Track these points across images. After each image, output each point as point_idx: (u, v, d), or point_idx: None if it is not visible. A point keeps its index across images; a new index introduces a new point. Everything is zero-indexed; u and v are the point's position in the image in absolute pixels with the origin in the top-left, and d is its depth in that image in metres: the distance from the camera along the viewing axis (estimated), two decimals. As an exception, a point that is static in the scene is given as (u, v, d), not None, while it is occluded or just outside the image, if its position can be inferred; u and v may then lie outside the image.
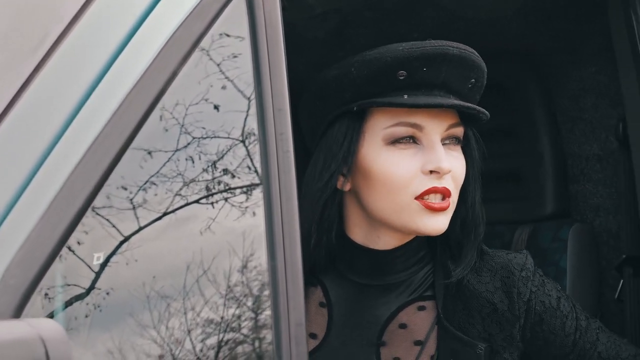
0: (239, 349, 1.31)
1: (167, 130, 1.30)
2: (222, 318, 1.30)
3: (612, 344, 1.84)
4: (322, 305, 1.79)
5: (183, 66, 1.28)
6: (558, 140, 2.56)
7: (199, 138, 1.33)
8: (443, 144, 1.69)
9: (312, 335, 1.78)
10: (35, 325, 0.96)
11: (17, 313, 1.07)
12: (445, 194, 1.67)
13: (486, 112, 1.72)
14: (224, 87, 1.36)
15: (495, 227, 2.57)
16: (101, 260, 1.23)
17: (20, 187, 1.14)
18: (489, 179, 2.68)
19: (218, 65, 1.37)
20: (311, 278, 1.80)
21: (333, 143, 1.69)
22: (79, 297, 1.21)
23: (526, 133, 2.60)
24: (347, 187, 1.72)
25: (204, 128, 1.33)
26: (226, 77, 1.36)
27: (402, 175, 1.66)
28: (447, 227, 1.69)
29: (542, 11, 2.56)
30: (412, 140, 1.68)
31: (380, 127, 1.68)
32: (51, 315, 1.19)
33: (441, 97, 1.67)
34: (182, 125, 1.31)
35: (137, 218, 1.26)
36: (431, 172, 1.66)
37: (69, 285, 1.21)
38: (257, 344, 1.32)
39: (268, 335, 1.31)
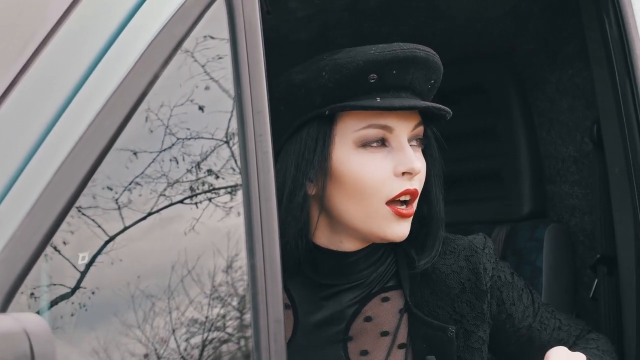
0: (220, 346, 1.34)
1: (151, 131, 1.32)
2: (205, 316, 1.33)
3: (567, 318, 1.90)
4: (287, 307, 1.80)
5: (165, 68, 1.30)
6: (535, 142, 2.60)
7: (182, 139, 1.35)
8: (410, 146, 1.72)
9: None
10: (20, 320, 0.98)
11: (3, 309, 1.09)
12: (415, 195, 1.70)
13: (450, 111, 1.75)
14: (206, 89, 1.38)
15: (474, 226, 2.60)
16: (86, 260, 1.25)
17: (5, 186, 1.16)
18: (467, 179, 2.73)
19: (201, 67, 1.39)
20: None
21: (305, 148, 1.70)
22: (65, 297, 1.22)
23: (504, 134, 2.63)
24: (313, 192, 1.73)
25: (187, 129, 1.36)
26: (208, 79, 1.39)
27: (375, 178, 1.68)
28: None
29: (521, 14, 2.59)
30: (382, 142, 1.70)
31: (350, 130, 1.70)
32: (38, 313, 1.21)
33: (409, 99, 1.70)
34: (166, 127, 1.34)
35: (122, 218, 1.28)
36: (403, 173, 1.69)
37: (54, 284, 1.23)
38: (236, 341, 1.35)
39: (247, 332, 1.34)
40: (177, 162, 1.34)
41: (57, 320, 1.22)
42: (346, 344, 1.76)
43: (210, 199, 1.35)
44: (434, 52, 1.75)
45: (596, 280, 2.30)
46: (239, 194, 1.35)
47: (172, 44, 1.32)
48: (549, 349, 1.72)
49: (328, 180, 1.70)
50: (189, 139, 1.35)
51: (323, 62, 1.70)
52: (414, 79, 1.71)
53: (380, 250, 1.79)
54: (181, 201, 1.33)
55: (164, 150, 1.33)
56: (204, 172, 1.36)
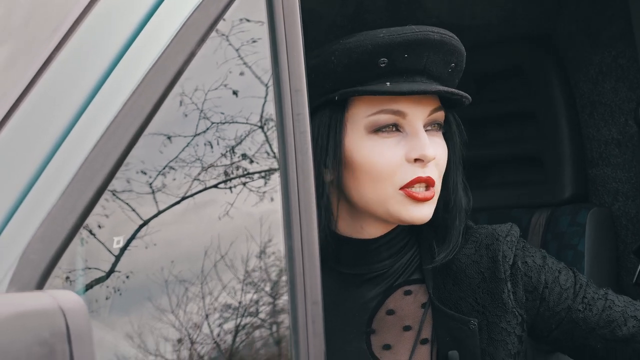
0: (254, 331, 1.33)
1: (186, 115, 1.31)
2: (238, 301, 1.31)
3: (624, 298, 1.78)
4: None
5: (199, 50, 1.28)
6: (577, 124, 2.56)
7: (216, 122, 1.34)
8: (425, 130, 1.68)
9: None
10: (56, 297, 0.97)
11: (39, 287, 1.09)
12: (429, 183, 1.66)
13: (468, 96, 1.70)
14: (242, 69, 1.37)
15: (512, 211, 2.57)
16: (121, 244, 1.24)
17: (41, 164, 1.16)
18: (507, 163, 2.70)
19: (236, 47, 1.37)
20: None
21: (318, 135, 1.67)
22: (100, 280, 1.22)
23: (545, 117, 2.59)
24: (329, 178, 1.70)
25: (222, 113, 1.34)
26: (244, 61, 1.37)
27: (386, 164, 1.64)
28: (431, 216, 1.68)
29: (561, -5, 2.56)
30: (395, 128, 1.66)
31: (362, 115, 1.66)
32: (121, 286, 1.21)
33: (423, 83, 1.66)
34: (200, 110, 1.33)
35: (156, 202, 1.27)
36: (415, 160, 1.65)
37: (90, 268, 1.23)
38: (274, 324, 1.34)
39: (282, 316, 1.32)
40: (212, 146, 1.32)
41: (92, 304, 1.22)
42: (369, 337, 1.74)
43: (244, 183, 1.34)
44: (452, 34, 1.69)
45: (639, 266, 2.26)
46: (275, 176, 1.33)
47: (206, 24, 1.30)
48: (599, 331, 1.66)
49: (342, 166, 1.67)
50: (224, 122, 1.34)
51: (335, 46, 1.67)
52: (429, 62, 1.66)
53: (404, 240, 1.75)
54: (215, 185, 1.31)
55: (198, 134, 1.31)
56: (239, 156, 1.34)
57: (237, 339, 1.31)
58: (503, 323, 1.71)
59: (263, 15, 1.38)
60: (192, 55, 1.30)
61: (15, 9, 1.42)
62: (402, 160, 1.65)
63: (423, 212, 1.66)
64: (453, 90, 1.67)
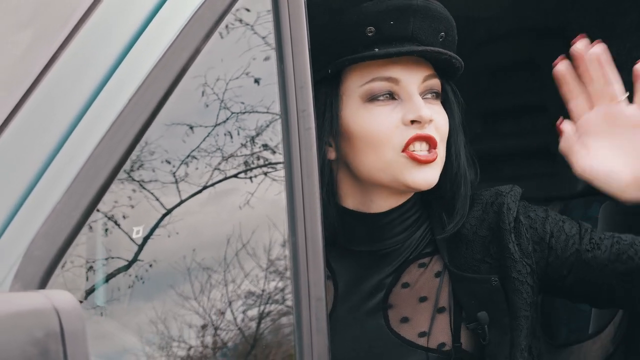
0: (260, 327, 1.33)
1: (190, 111, 1.32)
2: (242, 297, 1.32)
3: (633, 236, 1.79)
4: (327, 278, 1.77)
5: (204, 46, 1.29)
6: (590, 117, 2.54)
7: (221, 119, 1.35)
8: (423, 99, 1.70)
9: None
10: (50, 297, 0.98)
11: (43, 284, 1.10)
12: (430, 141, 1.68)
13: (459, 58, 1.73)
14: (247, 68, 1.37)
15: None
16: (141, 234, 1.26)
17: (46, 161, 1.17)
18: (519, 156, 2.69)
19: (242, 42, 1.38)
20: None
21: (317, 113, 1.68)
22: (122, 269, 1.24)
23: (557, 109, 2.57)
24: (333, 156, 1.72)
25: (226, 109, 1.35)
26: (249, 57, 1.37)
27: (384, 129, 1.67)
28: (436, 181, 1.70)
29: (575, -14, 2.54)
30: (390, 96, 1.69)
31: (356, 85, 1.69)
32: (94, 287, 1.23)
33: (398, 48, 1.68)
34: (205, 106, 1.33)
35: (179, 191, 1.29)
36: (412, 122, 1.67)
37: (113, 257, 1.24)
38: (278, 321, 1.34)
39: (289, 311, 1.33)
40: (215, 142, 1.33)
41: (115, 292, 1.24)
42: (386, 312, 1.76)
43: (248, 180, 1.34)
44: (438, 3, 1.72)
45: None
46: (280, 172, 1.34)
47: (212, 19, 1.31)
48: (610, 266, 1.67)
49: (342, 139, 1.70)
50: (227, 118, 1.35)
51: (326, 22, 1.71)
52: (416, 29, 1.68)
53: (416, 214, 1.77)
54: (216, 182, 1.32)
55: (205, 129, 1.32)
56: (242, 153, 1.35)
57: (240, 336, 1.32)
58: (514, 273, 1.72)
59: (268, 12, 1.38)
60: (197, 51, 1.31)
61: (22, 5, 1.43)
62: (399, 124, 1.68)
63: (427, 176, 1.69)
64: (440, 50, 1.70)
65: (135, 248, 1.26)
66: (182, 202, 1.31)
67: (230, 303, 1.31)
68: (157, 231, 1.28)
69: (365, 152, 1.68)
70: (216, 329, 1.30)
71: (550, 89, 2.63)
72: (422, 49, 1.68)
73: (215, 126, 1.34)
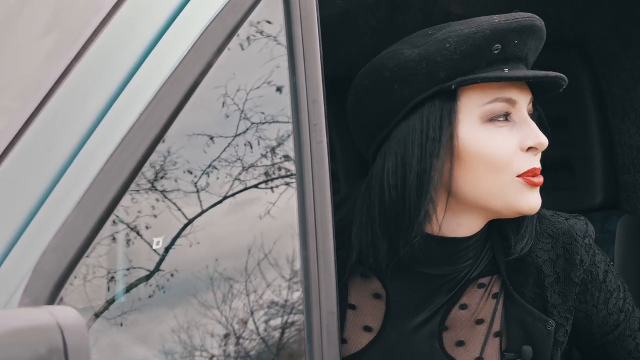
0: (271, 340, 1.33)
1: (201, 125, 1.32)
2: (253, 310, 1.32)
3: None
4: (377, 297, 1.72)
5: (216, 60, 1.29)
6: (608, 130, 2.53)
7: (233, 132, 1.35)
8: None
9: (367, 328, 1.72)
10: (54, 313, 0.98)
11: (52, 299, 1.10)
12: (538, 173, 1.66)
13: (565, 81, 1.71)
14: (258, 82, 1.37)
15: (543, 216, 2.55)
16: (160, 245, 1.26)
17: (57, 175, 1.17)
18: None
19: (254, 56, 1.38)
20: (364, 270, 1.73)
21: (428, 127, 1.62)
22: (143, 279, 1.24)
23: (576, 122, 2.57)
24: (437, 175, 1.64)
25: (238, 123, 1.35)
26: (261, 71, 1.38)
27: (505, 153, 1.62)
28: None
29: (591, -1, 2.53)
30: (505, 117, 1.65)
31: (476, 104, 1.63)
32: (114, 298, 1.24)
33: (529, 70, 1.66)
34: (217, 120, 1.34)
35: (201, 201, 1.29)
36: (529, 148, 1.64)
37: (134, 268, 1.25)
38: (290, 334, 1.34)
39: (300, 325, 1.32)
40: (226, 155, 1.33)
41: (136, 302, 1.24)
42: (441, 335, 1.70)
43: (260, 194, 1.34)
44: (542, 21, 1.70)
45: (670, 274, 2.23)
46: (292, 186, 1.34)
47: (224, 34, 1.31)
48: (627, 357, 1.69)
49: (450, 159, 1.63)
50: (240, 132, 1.35)
51: (442, 33, 1.63)
52: (530, 49, 1.66)
53: (487, 238, 1.72)
54: (228, 196, 1.32)
55: (216, 142, 1.33)
56: (254, 167, 1.35)
57: (251, 349, 1.32)
58: (568, 325, 1.70)
59: (281, 26, 1.38)
60: (209, 65, 1.31)
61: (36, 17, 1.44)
62: (517, 149, 1.63)
63: (538, 199, 1.66)
64: (564, 76, 1.68)
65: (152, 260, 1.27)
66: (194, 213, 1.31)
67: (239, 316, 1.31)
68: (175, 241, 1.29)
69: (482, 173, 1.62)
70: (224, 342, 1.30)
71: (570, 101, 2.63)
72: (554, 75, 1.66)
73: (226, 138, 1.35)
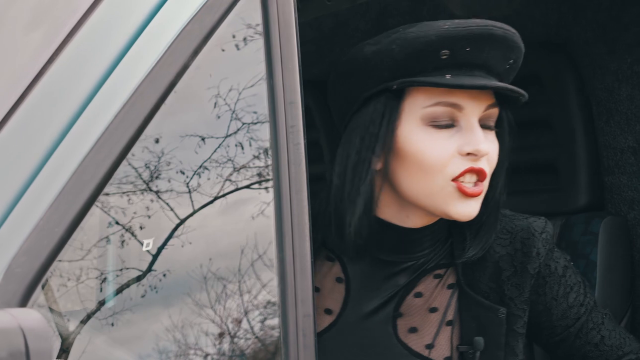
0: (247, 343, 1.33)
1: (178, 126, 1.32)
2: (229, 312, 1.32)
3: (618, 334, 1.82)
4: (339, 281, 1.78)
5: (193, 61, 1.29)
6: (593, 132, 2.53)
7: (210, 134, 1.35)
8: (481, 126, 1.68)
9: (328, 311, 1.77)
10: (16, 316, 0.98)
11: (24, 301, 1.09)
12: (481, 175, 1.65)
13: (525, 94, 1.70)
14: (236, 83, 1.37)
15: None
16: (151, 246, 1.25)
17: (29, 177, 1.17)
18: (521, 170, 2.67)
19: (232, 57, 1.38)
20: (328, 253, 1.80)
21: (370, 122, 1.67)
22: (135, 280, 1.24)
23: (561, 124, 2.57)
24: (379, 166, 1.69)
25: (215, 124, 1.35)
26: (238, 72, 1.37)
27: (439, 156, 1.64)
28: (476, 214, 1.68)
29: (579, 1, 2.52)
30: (450, 121, 1.66)
31: (419, 106, 1.65)
32: (104, 299, 1.24)
33: (483, 78, 1.65)
34: (194, 122, 1.33)
35: (176, 203, 1.29)
36: (468, 154, 1.65)
37: (127, 268, 1.24)
38: (265, 337, 1.34)
39: (276, 327, 1.32)
40: (203, 157, 1.33)
41: (127, 302, 1.24)
42: (395, 321, 1.74)
43: (236, 196, 1.34)
44: (514, 30, 1.69)
45: (653, 276, 2.23)
46: (269, 188, 1.34)
47: (201, 35, 1.30)
48: (589, 354, 1.71)
49: (392, 155, 1.67)
50: (217, 135, 1.34)
51: (396, 34, 1.66)
52: (490, 57, 1.65)
53: (446, 231, 1.76)
54: (206, 199, 1.32)
55: (189, 145, 1.32)
56: (231, 169, 1.35)
57: (226, 351, 1.31)
58: (525, 317, 1.73)
59: (258, 28, 1.38)
60: (185, 66, 1.31)
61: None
62: (455, 153, 1.65)
63: (470, 209, 1.66)
64: (514, 88, 1.67)
65: (143, 260, 1.27)
66: (172, 215, 1.31)
67: (214, 319, 1.30)
68: (157, 243, 1.28)
69: (415, 174, 1.66)
70: (200, 344, 1.29)
71: (554, 103, 2.63)
72: (496, 85, 1.64)
73: (203, 140, 1.34)
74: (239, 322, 1.32)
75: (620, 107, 2.49)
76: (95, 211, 1.19)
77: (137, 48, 1.28)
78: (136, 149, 1.24)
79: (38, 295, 1.11)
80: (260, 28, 1.37)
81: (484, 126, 1.69)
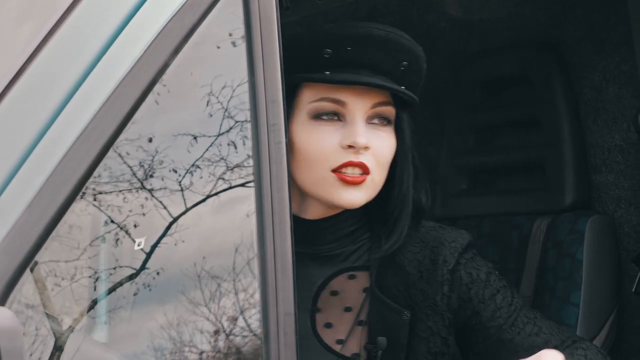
0: (228, 341, 1.33)
1: (159, 125, 1.32)
2: (210, 311, 1.31)
3: (554, 324, 1.85)
4: None
5: (174, 60, 1.29)
6: (580, 131, 2.54)
7: (190, 132, 1.35)
8: (370, 123, 1.75)
9: None
10: (-14, 314, 0.97)
11: (2, 301, 1.09)
12: (362, 168, 1.73)
13: (408, 93, 1.76)
14: (217, 82, 1.37)
15: (515, 218, 2.55)
16: (143, 245, 1.25)
17: (7, 176, 1.16)
18: (510, 170, 2.68)
19: (212, 59, 1.38)
20: None
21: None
22: (128, 278, 1.24)
23: (549, 123, 2.57)
24: None
25: (196, 123, 1.35)
26: (220, 71, 1.37)
27: (321, 148, 1.73)
28: (364, 202, 1.75)
29: (568, 1, 2.53)
30: (337, 116, 1.75)
31: (306, 101, 1.75)
32: (96, 299, 1.23)
33: (365, 76, 1.73)
34: (174, 120, 1.33)
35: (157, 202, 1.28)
36: (349, 146, 1.72)
37: (121, 267, 1.24)
38: (246, 335, 1.34)
39: (257, 326, 1.32)
40: (184, 156, 1.33)
41: (120, 300, 1.24)
42: (313, 315, 1.81)
43: (217, 195, 1.34)
44: (402, 33, 1.77)
45: (639, 274, 2.23)
46: (250, 187, 1.34)
47: (182, 33, 1.30)
48: (523, 354, 1.71)
49: (290, 148, 1.72)
50: (198, 133, 1.34)
51: (292, 37, 1.75)
52: (375, 58, 1.73)
53: (351, 227, 1.82)
54: (191, 200, 1.32)
55: (172, 143, 1.32)
56: (213, 167, 1.34)
57: (207, 350, 1.31)
58: (430, 322, 1.79)
59: (240, 26, 1.38)
60: (166, 65, 1.30)
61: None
62: (337, 146, 1.73)
63: (352, 196, 1.74)
64: (383, 83, 1.74)
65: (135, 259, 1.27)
66: (155, 215, 1.31)
67: (194, 317, 1.30)
68: (138, 243, 1.28)
69: (301, 165, 1.74)
70: (180, 342, 1.29)
71: (543, 102, 2.64)
72: (366, 81, 1.73)
73: (183, 137, 1.34)
74: (219, 320, 1.32)
75: (608, 106, 2.49)
76: (75, 209, 1.18)
77: (117, 46, 1.28)
78: (116, 148, 1.24)
79: (16, 294, 1.11)
80: (241, 26, 1.37)
81: (375, 122, 1.76)
